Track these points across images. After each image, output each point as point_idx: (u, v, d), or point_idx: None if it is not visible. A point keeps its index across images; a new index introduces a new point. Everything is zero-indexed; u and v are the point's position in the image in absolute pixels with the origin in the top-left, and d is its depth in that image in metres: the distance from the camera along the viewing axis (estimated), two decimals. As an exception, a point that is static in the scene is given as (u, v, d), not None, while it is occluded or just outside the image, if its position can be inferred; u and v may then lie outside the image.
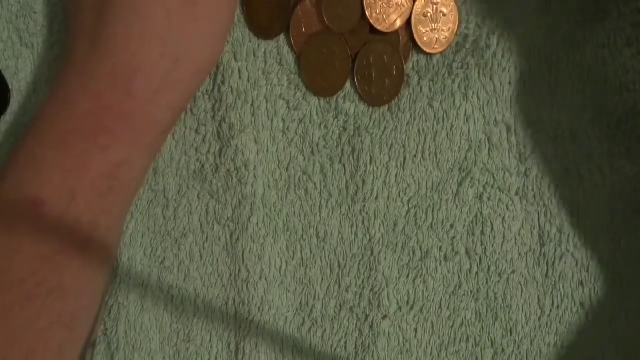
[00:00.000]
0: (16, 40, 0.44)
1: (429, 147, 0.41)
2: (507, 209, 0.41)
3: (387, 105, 0.41)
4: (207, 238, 0.43)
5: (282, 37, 0.43)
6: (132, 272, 0.43)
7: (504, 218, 0.41)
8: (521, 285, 0.41)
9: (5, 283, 0.36)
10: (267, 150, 0.42)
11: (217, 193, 0.43)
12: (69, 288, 0.37)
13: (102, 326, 0.43)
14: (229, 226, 0.43)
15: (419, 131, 0.41)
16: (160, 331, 0.43)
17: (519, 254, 0.41)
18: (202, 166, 0.43)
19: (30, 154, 0.38)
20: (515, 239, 0.41)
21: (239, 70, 0.42)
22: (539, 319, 0.41)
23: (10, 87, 0.44)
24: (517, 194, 0.41)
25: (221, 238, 0.43)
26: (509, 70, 0.40)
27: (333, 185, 0.42)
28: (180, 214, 0.43)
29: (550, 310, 0.41)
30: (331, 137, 0.42)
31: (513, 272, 0.41)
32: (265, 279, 0.42)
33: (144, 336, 0.44)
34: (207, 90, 0.43)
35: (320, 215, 0.42)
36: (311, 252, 0.42)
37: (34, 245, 0.36)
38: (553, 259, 0.41)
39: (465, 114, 0.41)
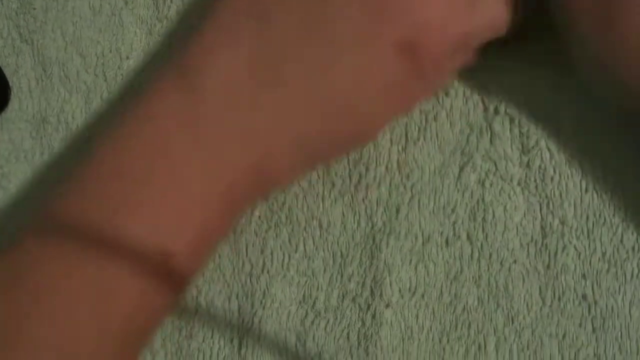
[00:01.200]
0: (16, 37, 0.44)
1: (430, 127, 0.41)
2: (509, 198, 0.41)
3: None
4: (208, 233, 0.43)
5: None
6: (133, 269, 0.43)
7: (505, 207, 0.41)
8: (523, 275, 0.41)
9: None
10: (269, 142, 0.42)
11: (219, 187, 0.43)
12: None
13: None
14: (232, 221, 0.43)
15: (420, 111, 0.41)
16: (161, 328, 0.43)
17: (521, 244, 0.41)
18: (203, 161, 0.43)
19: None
20: (517, 228, 0.41)
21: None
22: (540, 310, 0.40)
23: (10, 84, 0.44)
24: (519, 184, 0.41)
25: (223, 234, 0.43)
26: (509, 58, 0.41)
27: (336, 174, 0.42)
28: (181, 210, 0.43)
29: (552, 302, 0.40)
30: (332, 125, 0.42)
31: (515, 261, 0.41)
32: (268, 272, 0.42)
33: (146, 334, 0.43)
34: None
35: (322, 206, 0.42)
36: (314, 244, 0.42)
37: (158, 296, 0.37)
38: (555, 251, 0.40)
39: (464, 94, 0.41)
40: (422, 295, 0.41)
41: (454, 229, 0.41)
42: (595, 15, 0.35)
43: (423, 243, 0.41)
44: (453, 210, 0.41)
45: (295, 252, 0.42)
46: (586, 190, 0.40)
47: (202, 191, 0.36)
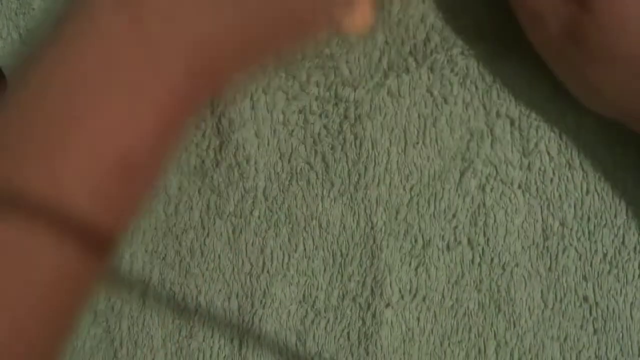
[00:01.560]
0: (15, 38, 0.44)
1: (430, 132, 0.41)
2: (510, 201, 0.41)
3: (387, 90, 0.41)
4: (208, 233, 0.43)
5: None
6: (133, 269, 0.43)
7: (506, 210, 0.41)
8: (524, 278, 0.40)
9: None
10: (268, 143, 0.42)
11: (219, 188, 0.43)
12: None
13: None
14: (231, 221, 0.43)
15: (419, 116, 0.41)
16: (162, 328, 0.43)
17: (522, 247, 0.41)
18: (203, 162, 0.43)
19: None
20: (518, 231, 0.41)
21: (237, 64, 0.42)
22: (542, 313, 0.40)
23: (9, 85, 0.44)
24: (519, 186, 0.41)
25: (223, 233, 0.43)
26: (511, 62, 0.41)
27: (335, 174, 0.42)
28: (181, 210, 0.43)
29: (554, 304, 0.40)
30: (332, 125, 0.42)
31: (516, 265, 0.40)
32: (268, 272, 0.42)
33: (146, 333, 0.43)
34: (206, 85, 0.43)
35: (322, 206, 0.42)
36: (314, 243, 0.42)
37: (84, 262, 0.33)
38: (556, 253, 0.40)
39: (464, 101, 0.41)
40: (424, 299, 0.41)
41: (454, 233, 0.41)
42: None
43: (423, 246, 0.41)
44: (454, 216, 0.41)
45: (295, 251, 0.42)
46: (587, 192, 0.40)
47: (152, 94, 0.33)
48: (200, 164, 0.43)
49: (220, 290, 0.43)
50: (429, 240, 0.41)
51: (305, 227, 0.42)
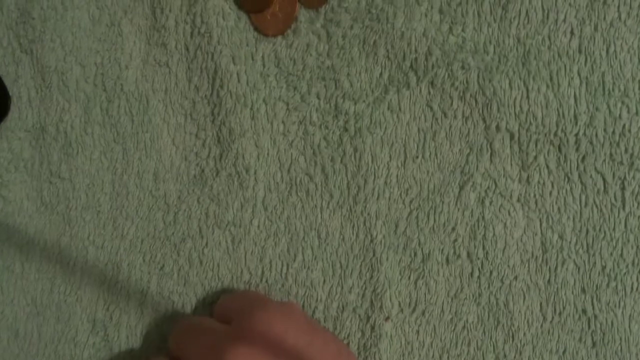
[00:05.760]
0: (16, 46, 0.44)
1: (429, 146, 0.41)
2: (509, 214, 0.41)
3: (387, 105, 0.42)
4: (206, 243, 0.43)
5: (279, 39, 0.43)
6: (132, 278, 0.43)
7: (505, 224, 0.41)
8: (523, 291, 0.40)
9: None
10: (268, 154, 0.42)
11: (218, 197, 0.43)
12: None
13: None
14: (230, 230, 0.43)
15: (418, 130, 0.41)
16: (160, 338, 0.43)
17: (521, 261, 0.41)
18: (202, 171, 0.43)
19: None
20: (517, 245, 0.41)
21: (238, 74, 0.42)
22: (541, 326, 0.40)
23: (10, 93, 0.44)
24: (518, 200, 0.41)
25: (222, 242, 0.43)
26: (509, 76, 0.41)
27: (334, 186, 0.42)
28: (179, 219, 0.43)
29: (552, 317, 0.40)
30: (332, 137, 0.42)
31: (515, 278, 0.40)
32: (267, 281, 0.42)
33: (144, 342, 0.43)
34: (205, 95, 0.43)
35: (321, 217, 0.42)
36: (312, 254, 0.42)
37: None
38: (555, 266, 0.40)
39: (464, 115, 0.41)
40: (423, 312, 0.41)
41: (454, 247, 0.41)
42: None
43: (423, 260, 0.41)
44: (453, 229, 0.41)
45: (294, 261, 0.42)
46: (585, 205, 0.40)
47: None
48: (199, 173, 0.43)
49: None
50: (429, 254, 0.41)
51: (304, 238, 0.42)
